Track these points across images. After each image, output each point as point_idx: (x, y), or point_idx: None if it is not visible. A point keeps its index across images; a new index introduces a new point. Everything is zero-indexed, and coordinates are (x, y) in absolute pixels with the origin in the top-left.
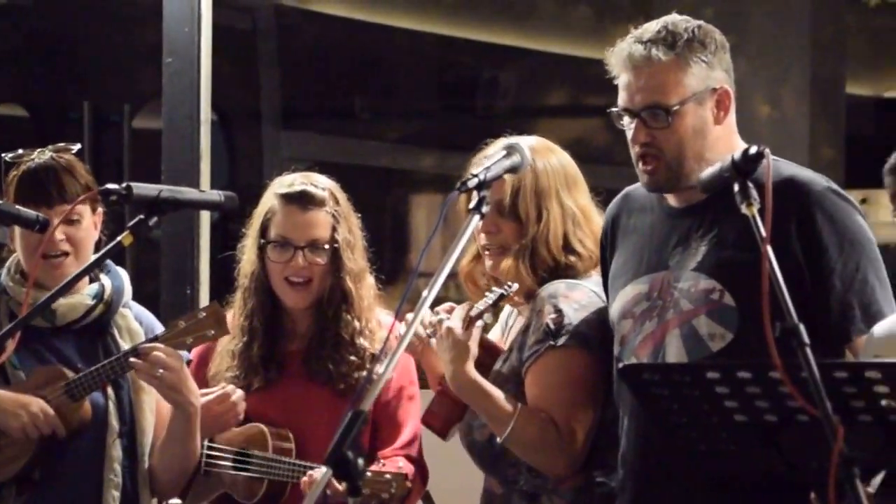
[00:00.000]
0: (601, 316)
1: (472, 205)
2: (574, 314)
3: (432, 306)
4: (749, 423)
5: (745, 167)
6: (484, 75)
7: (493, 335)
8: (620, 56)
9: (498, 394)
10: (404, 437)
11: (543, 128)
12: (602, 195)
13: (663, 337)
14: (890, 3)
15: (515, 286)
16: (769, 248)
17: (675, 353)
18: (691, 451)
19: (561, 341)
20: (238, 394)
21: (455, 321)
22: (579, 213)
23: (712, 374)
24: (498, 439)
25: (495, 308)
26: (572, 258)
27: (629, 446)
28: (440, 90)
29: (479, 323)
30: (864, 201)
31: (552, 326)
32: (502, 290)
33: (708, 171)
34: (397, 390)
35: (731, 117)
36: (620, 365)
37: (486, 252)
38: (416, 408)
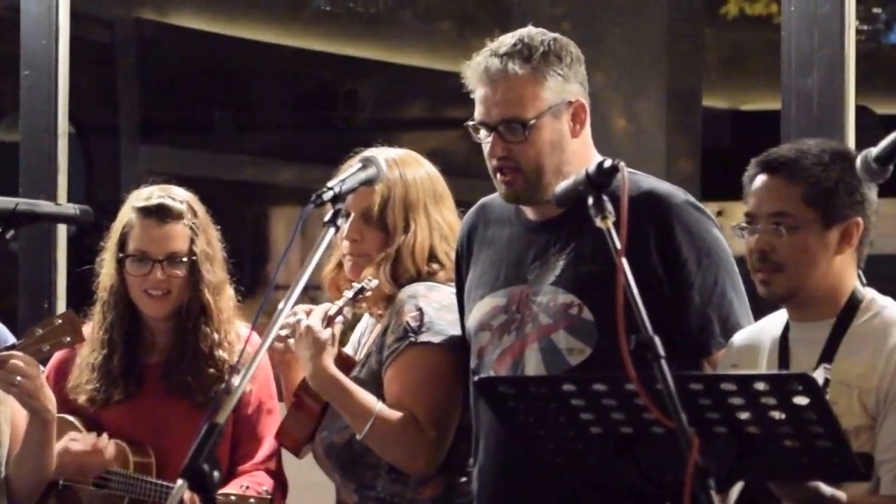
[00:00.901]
0: (461, 318)
1: (326, 218)
2: (434, 313)
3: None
4: (605, 435)
5: (599, 180)
6: (343, 88)
7: (347, 352)
8: (477, 69)
9: (358, 390)
10: (264, 451)
11: (403, 140)
12: (462, 208)
13: (522, 351)
14: (748, 16)
15: (375, 281)
16: (624, 261)
17: (534, 367)
18: (548, 464)
19: (422, 338)
20: (108, 448)
21: (314, 319)
22: (446, 227)
23: (568, 386)
24: (358, 436)
25: (355, 302)
26: (435, 266)
27: (485, 461)
28: (299, 103)
29: (339, 319)
30: (720, 213)
31: (412, 324)
32: (362, 285)
33: (563, 185)
34: (256, 405)
35: (587, 130)
36: (476, 378)
37: (348, 259)
38: (275, 421)
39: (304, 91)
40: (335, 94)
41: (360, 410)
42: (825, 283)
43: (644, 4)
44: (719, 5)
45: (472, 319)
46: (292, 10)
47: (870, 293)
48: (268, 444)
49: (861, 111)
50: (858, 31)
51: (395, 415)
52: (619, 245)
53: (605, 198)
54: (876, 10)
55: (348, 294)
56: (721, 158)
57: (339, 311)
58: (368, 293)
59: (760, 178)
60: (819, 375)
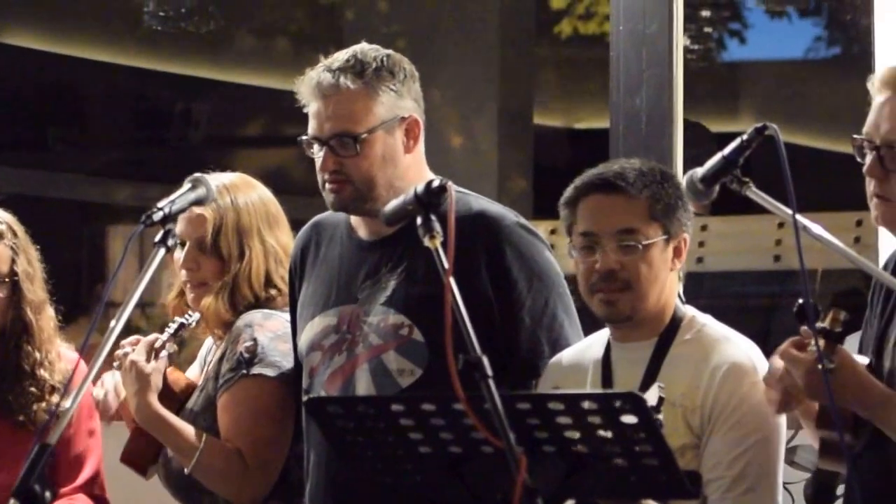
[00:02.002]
0: (294, 338)
1: (157, 238)
2: (269, 343)
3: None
4: (434, 454)
5: (428, 200)
6: (178, 107)
7: (192, 373)
8: (310, 84)
9: (182, 425)
10: (86, 473)
11: (241, 158)
12: (298, 229)
13: (353, 371)
14: (581, 35)
15: (197, 315)
16: (452, 281)
17: (364, 388)
18: (377, 484)
19: (254, 370)
20: None
21: (139, 354)
22: (281, 250)
23: (397, 406)
24: (186, 470)
25: (176, 337)
26: (273, 291)
27: (316, 480)
28: (135, 122)
29: (164, 354)
30: (553, 232)
31: (246, 355)
32: (182, 320)
33: (392, 204)
34: (77, 426)
35: (421, 147)
36: (305, 398)
37: (188, 289)
38: (96, 443)
39: (140, 110)
40: (171, 112)
41: (185, 446)
42: (659, 300)
43: (479, 23)
44: (553, 24)
45: (304, 339)
46: (126, 29)
47: (689, 311)
48: (90, 467)
49: (695, 128)
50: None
51: (220, 449)
52: (447, 265)
53: (433, 217)
54: (707, 30)
55: (170, 329)
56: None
57: (162, 346)
58: (191, 326)
59: (596, 198)
60: (653, 394)
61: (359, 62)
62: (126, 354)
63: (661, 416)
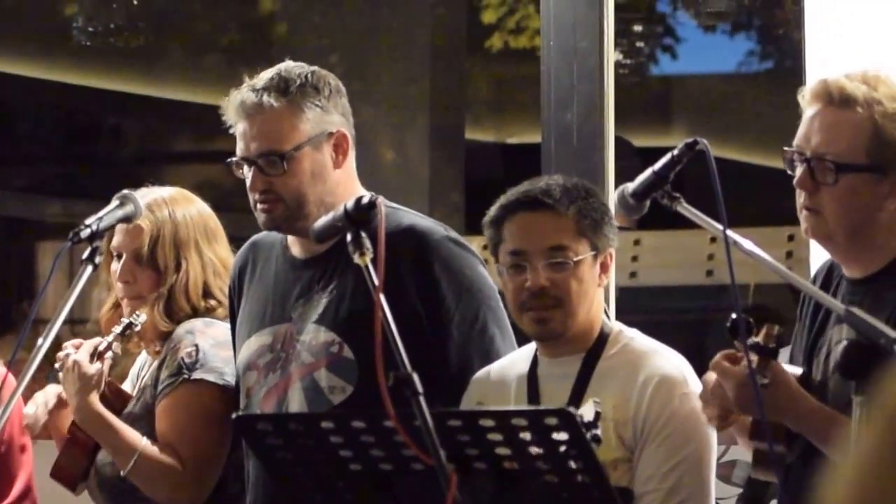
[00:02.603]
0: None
1: (84, 255)
2: (210, 350)
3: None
4: (364, 472)
5: (357, 216)
6: (108, 123)
7: (125, 387)
8: (234, 105)
9: (123, 427)
10: (17, 488)
11: (170, 173)
12: (233, 244)
13: (286, 390)
14: (513, 49)
15: (143, 317)
16: (382, 298)
17: (297, 406)
18: (308, 502)
19: (195, 375)
20: None
21: (82, 354)
22: (219, 263)
23: (327, 423)
24: (122, 472)
25: (123, 337)
26: (213, 302)
27: (253, 498)
28: (64, 138)
29: (109, 355)
30: (486, 248)
31: (187, 360)
32: (130, 320)
33: (321, 221)
34: (8, 442)
35: (351, 162)
36: (234, 416)
37: (125, 303)
38: (28, 459)
39: (69, 126)
40: (100, 128)
41: (124, 447)
42: (588, 316)
43: (410, 37)
44: (484, 39)
45: (241, 359)
46: (56, 45)
47: (616, 325)
48: (20, 483)
49: (618, 142)
50: (622, 65)
51: (159, 453)
52: (377, 282)
53: (363, 234)
54: (639, 44)
55: (116, 329)
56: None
57: (109, 347)
58: (137, 328)
59: (523, 216)
60: (590, 410)
61: (282, 80)
62: (68, 355)
63: (598, 432)
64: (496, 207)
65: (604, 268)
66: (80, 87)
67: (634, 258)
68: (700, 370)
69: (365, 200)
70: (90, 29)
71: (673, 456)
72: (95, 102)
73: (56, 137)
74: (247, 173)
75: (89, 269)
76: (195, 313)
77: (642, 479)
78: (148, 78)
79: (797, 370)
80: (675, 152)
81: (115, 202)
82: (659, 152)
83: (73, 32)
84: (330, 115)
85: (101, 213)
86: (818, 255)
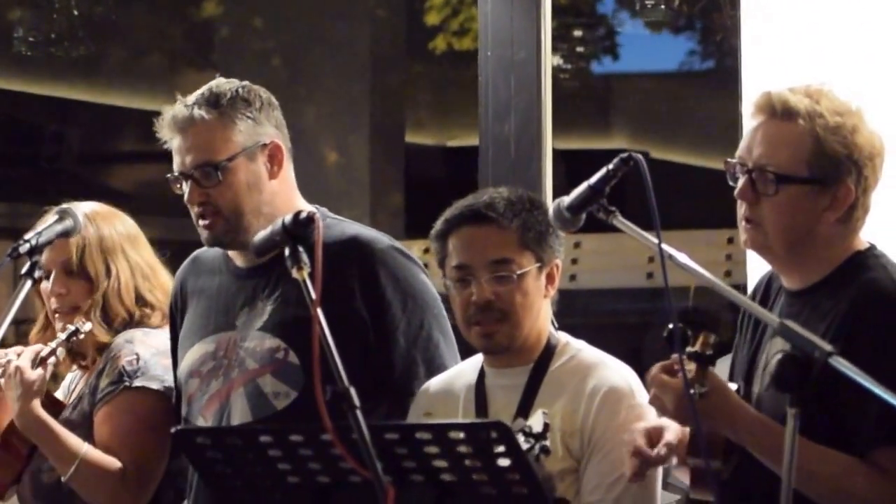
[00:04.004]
0: (174, 368)
1: (24, 270)
2: (151, 358)
3: None
4: (302, 484)
5: (295, 231)
6: (50, 127)
7: (57, 396)
8: (168, 121)
9: (64, 432)
10: None
11: (113, 177)
12: (169, 250)
13: (228, 396)
14: (456, 51)
15: (88, 325)
16: (320, 312)
17: (240, 411)
18: None
19: (136, 383)
20: None
21: (24, 360)
22: (146, 266)
23: (265, 437)
24: (63, 478)
25: (68, 343)
26: (147, 310)
27: None
28: (6, 143)
29: (52, 361)
30: (427, 251)
31: (128, 368)
32: (76, 326)
33: (260, 235)
34: None
35: (288, 172)
36: (173, 430)
37: (57, 315)
38: None
39: (11, 131)
40: (42, 133)
41: (66, 453)
42: (534, 327)
43: (353, 39)
44: (428, 41)
45: (183, 367)
46: None
47: (563, 337)
48: None
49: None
50: (562, 70)
51: (100, 459)
52: (314, 296)
53: (300, 248)
54: (580, 49)
55: (62, 336)
56: (428, 194)
57: (52, 353)
58: (82, 335)
59: (467, 230)
60: (538, 421)
61: (213, 94)
62: (10, 361)
63: (547, 443)
64: (441, 221)
65: (550, 279)
66: (22, 94)
67: (574, 261)
68: (639, 372)
69: (303, 215)
70: (31, 39)
71: (619, 467)
72: (38, 108)
73: None
74: (185, 188)
75: (28, 283)
76: (131, 319)
77: (588, 489)
78: (90, 83)
79: (733, 385)
80: (611, 166)
81: (53, 216)
82: (602, 156)
83: (14, 41)
84: (262, 127)
85: (40, 228)
86: (756, 259)
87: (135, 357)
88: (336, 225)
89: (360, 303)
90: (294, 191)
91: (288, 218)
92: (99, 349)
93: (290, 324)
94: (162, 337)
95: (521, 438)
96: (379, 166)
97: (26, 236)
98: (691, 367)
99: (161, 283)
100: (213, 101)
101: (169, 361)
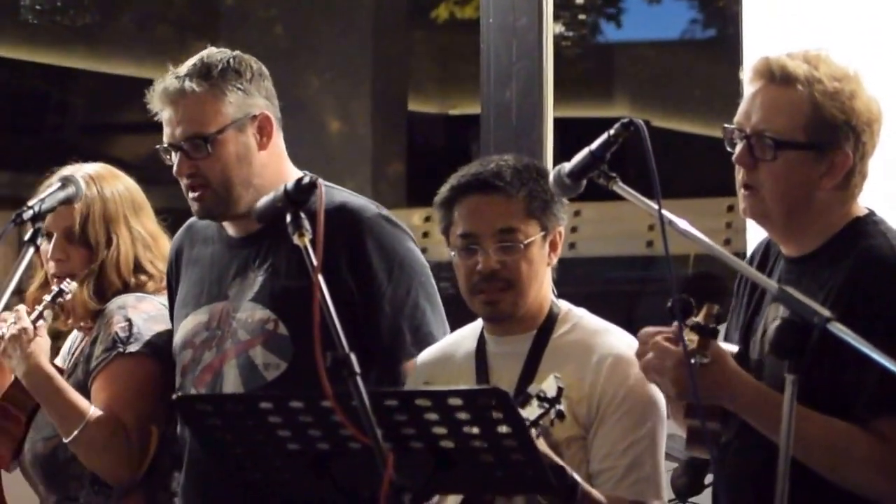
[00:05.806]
0: (170, 330)
1: (27, 237)
2: (143, 324)
3: None
4: (302, 451)
5: (297, 197)
6: (55, 97)
7: (56, 363)
8: (159, 93)
9: (72, 392)
10: None
11: (117, 146)
12: (171, 217)
13: (221, 367)
14: (458, 20)
15: (74, 284)
16: (321, 278)
17: (232, 383)
18: (247, 481)
19: (130, 348)
20: None
21: (25, 322)
22: (148, 236)
23: (265, 404)
24: (65, 439)
25: (54, 304)
26: (143, 277)
27: (189, 478)
28: (11, 111)
29: (41, 323)
30: (428, 219)
31: (121, 335)
32: (61, 287)
33: (262, 201)
34: None
35: (278, 142)
36: (174, 397)
37: (56, 280)
38: None
39: (16, 100)
40: (47, 102)
41: (73, 412)
42: (538, 295)
43: (355, 7)
44: (430, 9)
45: (178, 338)
46: (2, 21)
47: (564, 305)
48: None
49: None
50: (564, 37)
51: (106, 421)
52: (315, 262)
53: (302, 215)
54: (581, 17)
55: (47, 298)
56: (429, 162)
57: (40, 315)
58: (68, 295)
59: (474, 198)
60: (551, 385)
61: (204, 65)
62: (9, 325)
63: (562, 407)
64: (446, 189)
65: (553, 246)
66: (27, 63)
67: (574, 229)
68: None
69: (305, 181)
70: (37, 7)
71: (630, 433)
72: (43, 77)
73: (1, 111)
74: (174, 159)
75: (31, 250)
76: (126, 288)
77: (600, 456)
78: (96, 52)
79: (733, 348)
80: (611, 132)
81: (56, 184)
82: (603, 123)
83: (20, 10)
84: (253, 98)
85: (42, 195)
86: (756, 228)
87: (127, 323)
88: (326, 192)
89: (346, 271)
90: (284, 162)
91: (290, 184)
92: (93, 315)
93: (280, 295)
94: (155, 302)
95: (534, 403)
96: (381, 134)
97: (29, 203)
98: (693, 338)
99: (162, 252)
100: (205, 73)
101: (161, 327)
